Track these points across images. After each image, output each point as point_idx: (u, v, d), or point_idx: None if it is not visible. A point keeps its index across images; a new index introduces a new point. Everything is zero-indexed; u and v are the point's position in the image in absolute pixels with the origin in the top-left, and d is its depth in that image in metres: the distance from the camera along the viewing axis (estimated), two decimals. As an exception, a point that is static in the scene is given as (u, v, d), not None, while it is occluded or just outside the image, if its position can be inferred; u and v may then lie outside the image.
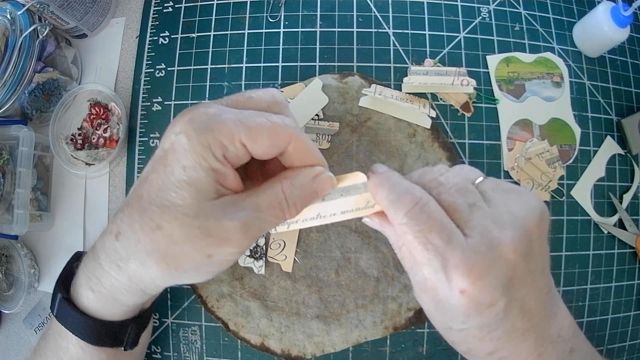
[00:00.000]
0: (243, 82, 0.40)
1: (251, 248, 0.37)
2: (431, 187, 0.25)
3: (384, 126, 0.38)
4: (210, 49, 0.41)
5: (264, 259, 0.37)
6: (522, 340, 0.25)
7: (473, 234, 0.23)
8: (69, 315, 0.28)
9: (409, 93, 0.39)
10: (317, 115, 0.38)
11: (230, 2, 0.42)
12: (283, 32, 0.41)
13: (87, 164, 0.40)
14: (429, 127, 0.37)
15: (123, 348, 0.31)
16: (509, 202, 0.25)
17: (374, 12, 0.41)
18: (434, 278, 0.24)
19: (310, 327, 0.36)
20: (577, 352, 0.27)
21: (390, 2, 0.41)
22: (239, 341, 0.37)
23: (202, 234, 0.23)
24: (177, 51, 0.42)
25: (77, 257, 0.31)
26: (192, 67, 0.41)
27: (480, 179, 0.26)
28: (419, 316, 0.36)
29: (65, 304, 0.28)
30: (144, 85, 0.42)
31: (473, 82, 0.39)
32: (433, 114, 0.38)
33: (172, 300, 0.38)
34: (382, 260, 0.36)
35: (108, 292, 0.27)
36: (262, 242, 0.37)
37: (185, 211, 0.23)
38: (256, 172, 0.28)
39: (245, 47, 0.41)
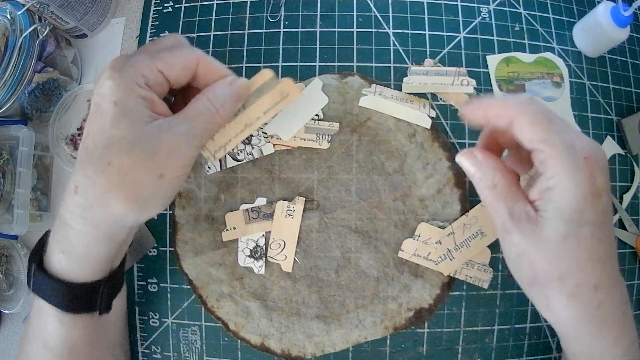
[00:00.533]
0: (243, 82, 0.40)
1: (251, 248, 0.37)
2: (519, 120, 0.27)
3: (384, 126, 0.38)
4: (210, 49, 0.41)
5: (264, 259, 0.37)
6: (614, 285, 0.26)
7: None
8: (43, 283, 0.29)
9: (409, 93, 0.39)
10: (317, 115, 0.38)
11: (230, 2, 0.42)
12: (283, 32, 0.41)
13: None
14: (429, 127, 0.37)
15: (98, 312, 0.31)
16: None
17: (374, 12, 0.41)
18: (561, 157, 0.25)
19: (310, 327, 0.36)
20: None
21: (390, 2, 0.41)
22: (239, 341, 0.37)
23: (148, 154, 0.26)
24: (177, 51, 0.42)
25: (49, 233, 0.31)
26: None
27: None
28: (419, 316, 0.36)
29: (39, 273, 0.29)
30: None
31: (473, 82, 0.39)
32: (433, 114, 0.38)
33: (172, 301, 0.38)
34: (382, 260, 0.36)
35: (77, 250, 0.28)
36: (262, 242, 0.37)
37: (128, 139, 0.26)
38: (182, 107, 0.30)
39: (245, 47, 0.41)
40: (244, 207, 0.37)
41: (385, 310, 0.36)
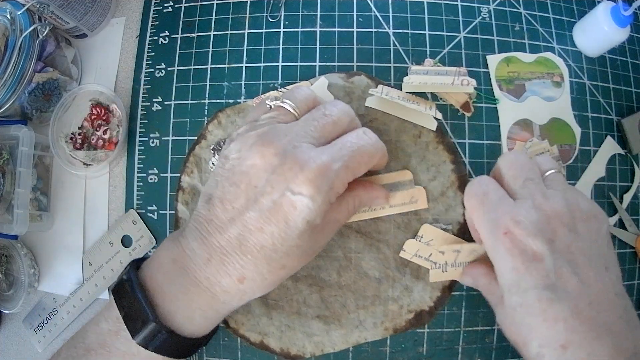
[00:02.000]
0: (243, 82, 0.40)
1: None
2: (498, 164, 0.32)
3: (389, 127, 0.38)
4: (210, 49, 0.41)
5: None
6: (596, 338, 0.25)
7: (521, 197, 0.28)
8: (164, 340, 0.29)
9: (413, 93, 0.39)
10: None
11: (230, 2, 0.42)
12: (283, 32, 0.41)
13: (85, 164, 0.40)
14: (434, 129, 0.37)
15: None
16: (566, 191, 0.29)
17: (374, 12, 0.41)
18: (487, 237, 0.28)
19: (310, 327, 0.36)
20: None
21: (390, 2, 0.41)
22: (239, 340, 0.37)
23: (311, 256, 0.30)
24: (177, 51, 0.42)
25: (137, 267, 0.31)
26: (192, 67, 0.41)
27: (553, 171, 0.31)
28: (420, 318, 0.36)
29: (168, 336, 0.28)
30: (144, 85, 0.42)
31: (473, 82, 0.39)
32: (439, 116, 0.38)
33: (172, 300, 0.38)
34: (384, 261, 0.36)
35: (218, 315, 0.31)
36: None
37: (303, 248, 0.28)
38: None
39: (245, 47, 0.41)
40: None
41: (385, 311, 0.36)
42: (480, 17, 0.41)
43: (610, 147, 0.40)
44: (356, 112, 0.37)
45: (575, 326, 0.25)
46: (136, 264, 0.31)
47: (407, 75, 0.39)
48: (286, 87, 0.39)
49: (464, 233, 0.36)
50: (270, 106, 0.31)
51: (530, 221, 0.26)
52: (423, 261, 0.36)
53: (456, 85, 0.38)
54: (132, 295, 0.28)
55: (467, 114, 0.39)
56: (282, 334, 0.36)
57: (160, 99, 0.41)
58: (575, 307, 0.25)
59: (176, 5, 0.43)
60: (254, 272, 0.28)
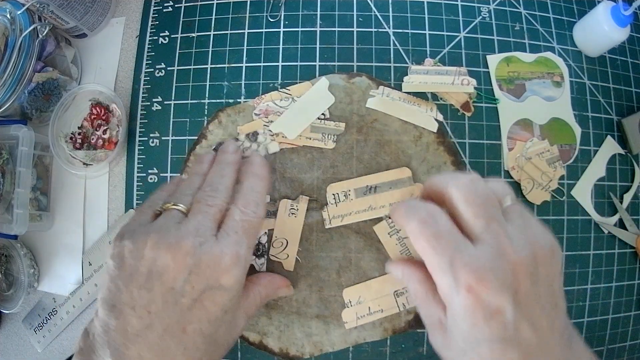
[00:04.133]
0: (243, 82, 0.40)
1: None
2: (451, 194, 0.27)
3: (390, 128, 0.38)
4: (210, 49, 0.41)
5: (265, 256, 0.37)
6: None
7: (484, 242, 0.25)
8: None
9: (413, 93, 0.39)
10: (323, 114, 0.38)
11: (230, 2, 0.42)
12: (283, 31, 0.41)
13: (85, 164, 0.40)
14: (435, 130, 0.37)
15: None
16: (527, 228, 0.26)
17: (374, 12, 0.41)
18: (442, 282, 0.25)
19: (310, 327, 0.36)
20: None
21: (390, 1, 0.41)
22: (238, 340, 0.37)
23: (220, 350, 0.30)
24: (177, 51, 0.42)
25: None
26: (192, 67, 0.41)
27: (509, 202, 0.28)
28: (419, 320, 0.36)
29: None
30: (144, 84, 0.42)
31: (473, 81, 0.39)
32: (440, 117, 0.38)
33: (171, 300, 0.38)
34: (384, 261, 0.36)
35: None
36: (264, 239, 0.37)
37: (218, 345, 0.29)
38: None
39: (245, 47, 0.41)
40: None
41: (380, 314, 0.36)
42: (480, 17, 0.41)
43: (610, 147, 0.40)
44: (357, 113, 0.38)
45: None
46: None
47: (407, 75, 0.39)
48: (287, 88, 0.39)
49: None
50: (160, 211, 0.30)
51: (496, 276, 0.24)
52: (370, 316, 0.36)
53: (456, 84, 0.38)
54: None
55: (467, 114, 0.39)
56: (281, 334, 0.36)
57: (160, 99, 0.41)
58: (527, 355, 0.24)
59: (176, 5, 0.43)
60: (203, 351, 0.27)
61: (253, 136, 0.38)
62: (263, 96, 0.39)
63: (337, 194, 0.37)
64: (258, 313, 0.36)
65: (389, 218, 0.36)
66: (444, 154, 0.37)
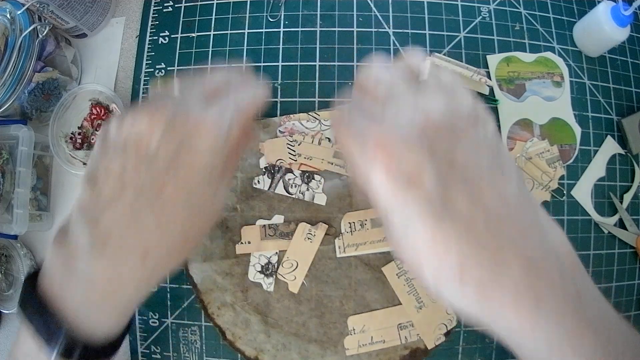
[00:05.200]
0: (243, 82, 0.40)
1: (263, 264, 0.37)
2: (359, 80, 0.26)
3: None
4: (210, 49, 0.41)
5: (274, 276, 0.37)
6: (500, 263, 0.20)
7: (388, 116, 0.23)
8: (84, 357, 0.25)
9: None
10: None
11: (230, 2, 0.42)
12: (283, 31, 0.41)
13: (85, 164, 0.40)
14: (487, 92, 0.37)
15: None
16: (439, 93, 0.23)
17: (374, 12, 0.41)
18: (361, 165, 0.23)
19: (307, 350, 0.36)
20: (585, 298, 0.21)
21: (390, 1, 0.41)
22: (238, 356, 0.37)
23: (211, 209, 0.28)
24: (177, 51, 0.42)
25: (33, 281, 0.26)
26: (192, 67, 0.41)
27: (424, 77, 0.25)
28: (414, 356, 0.36)
29: (84, 350, 0.25)
30: (144, 84, 0.42)
31: (490, 82, 0.38)
32: (491, 83, 0.37)
33: (171, 300, 0.38)
34: (388, 296, 0.36)
35: (130, 310, 0.28)
36: (274, 259, 0.37)
37: (203, 201, 0.27)
38: None
39: (245, 47, 0.41)
40: (260, 222, 0.37)
41: (382, 345, 0.36)
42: (481, 17, 0.41)
43: (610, 147, 0.40)
44: None
45: (467, 247, 0.20)
46: (32, 279, 0.26)
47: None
48: (316, 112, 0.39)
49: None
50: None
51: (402, 126, 0.22)
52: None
53: (473, 78, 0.38)
54: (36, 307, 0.25)
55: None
56: (278, 353, 0.36)
57: (160, 99, 0.41)
58: (468, 229, 0.20)
59: (176, 5, 0.43)
60: (157, 243, 0.25)
61: (307, 178, 0.37)
62: (291, 115, 0.39)
63: (353, 222, 0.37)
64: (257, 329, 0.36)
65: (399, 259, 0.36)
66: None
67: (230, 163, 0.28)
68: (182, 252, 0.27)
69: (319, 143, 0.37)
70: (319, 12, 0.41)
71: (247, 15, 0.42)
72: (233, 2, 0.42)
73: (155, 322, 0.38)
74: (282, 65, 0.40)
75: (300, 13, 0.41)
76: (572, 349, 0.20)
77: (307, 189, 0.37)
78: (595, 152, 0.40)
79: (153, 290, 0.39)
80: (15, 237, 0.39)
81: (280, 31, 0.41)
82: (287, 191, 0.37)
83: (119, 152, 0.25)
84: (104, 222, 0.24)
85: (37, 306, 0.25)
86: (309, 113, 0.38)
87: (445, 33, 0.40)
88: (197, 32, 0.42)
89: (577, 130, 0.40)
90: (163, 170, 0.25)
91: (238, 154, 0.29)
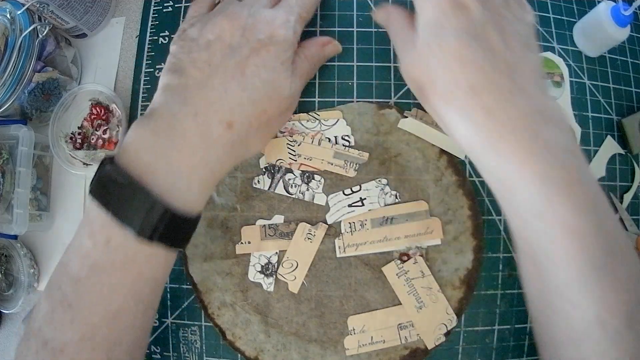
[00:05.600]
0: (243, 82, 0.40)
1: (263, 264, 0.37)
2: None
3: (412, 165, 0.37)
4: (210, 49, 0.41)
5: (274, 276, 0.37)
6: (510, 92, 0.25)
7: None
8: (169, 225, 0.26)
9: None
10: (347, 141, 0.37)
11: (230, 2, 0.42)
12: (283, 31, 0.41)
13: (84, 164, 0.40)
14: (463, 157, 0.37)
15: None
16: None
17: (374, 12, 0.41)
18: None
19: (307, 349, 0.36)
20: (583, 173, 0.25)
21: (390, 1, 0.41)
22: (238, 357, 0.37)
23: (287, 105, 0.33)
24: (177, 51, 0.42)
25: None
26: (192, 67, 0.41)
27: None
28: (414, 356, 0.36)
29: (172, 217, 0.26)
30: (144, 84, 0.42)
31: None
32: None
33: (171, 300, 0.38)
34: (388, 296, 0.36)
35: (214, 180, 0.30)
36: (274, 259, 0.37)
37: (281, 93, 0.32)
38: None
39: (245, 47, 0.41)
40: (260, 222, 0.37)
41: (382, 344, 0.36)
42: (480, 17, 0.41)
43: (610, 147, 0.40)
44: (382, 145, 0.37)
45: (488, 73, 0.25)
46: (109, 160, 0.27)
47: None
48: (317, 112, 0.39)
49: (469, 279, 0.36)
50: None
51: None
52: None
53: None
54: (120, 186, 0.26)
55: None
56: (278, 353, 0.36)
57: (160, 99, 0.41)
58: (491, 62, 0.25)
59: (176, 5, 0.43)
60: (240, 115, 0.29)
61: (307, 178, 0.37)
62: (292, 115, 0.38)
63: (353, 222, 0.37)
64: (257, 329, 0.36)
65: (399, 259, 0.36)
66: (462, 197, 0.37)
67: (303, 62, 0.33)
68: (258, 130, 0.30)
69: (319, 143, 0.37)
70: (319, 12, 0.41)
71: (247, 15, 0.42)
72: (233, 2, 0.42)
73: (155, 322, 0.38)
74: (282, 65, 0.40)
75: (300, 13, 0.41)
76: (567, 198, 0.23)
77: (307, 189, 0.37)
78: (595, 152, 0.40)
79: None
80: (15, 237, 0.39)
81: (280, 31, 0.41)
82: (287, 191, 0.37)
83: (204, 48, 0.30)
84: (194, 99, 0.29)
85: (121, 182, 0.26)
86: (309, 113, 0.38)
87: (445, 33, 0.40)
88: (197, 32, 0.42)
89: (577, 130, 0.40)
90: (245, 57, 0.30)
91: (308, 58, 0.34)
